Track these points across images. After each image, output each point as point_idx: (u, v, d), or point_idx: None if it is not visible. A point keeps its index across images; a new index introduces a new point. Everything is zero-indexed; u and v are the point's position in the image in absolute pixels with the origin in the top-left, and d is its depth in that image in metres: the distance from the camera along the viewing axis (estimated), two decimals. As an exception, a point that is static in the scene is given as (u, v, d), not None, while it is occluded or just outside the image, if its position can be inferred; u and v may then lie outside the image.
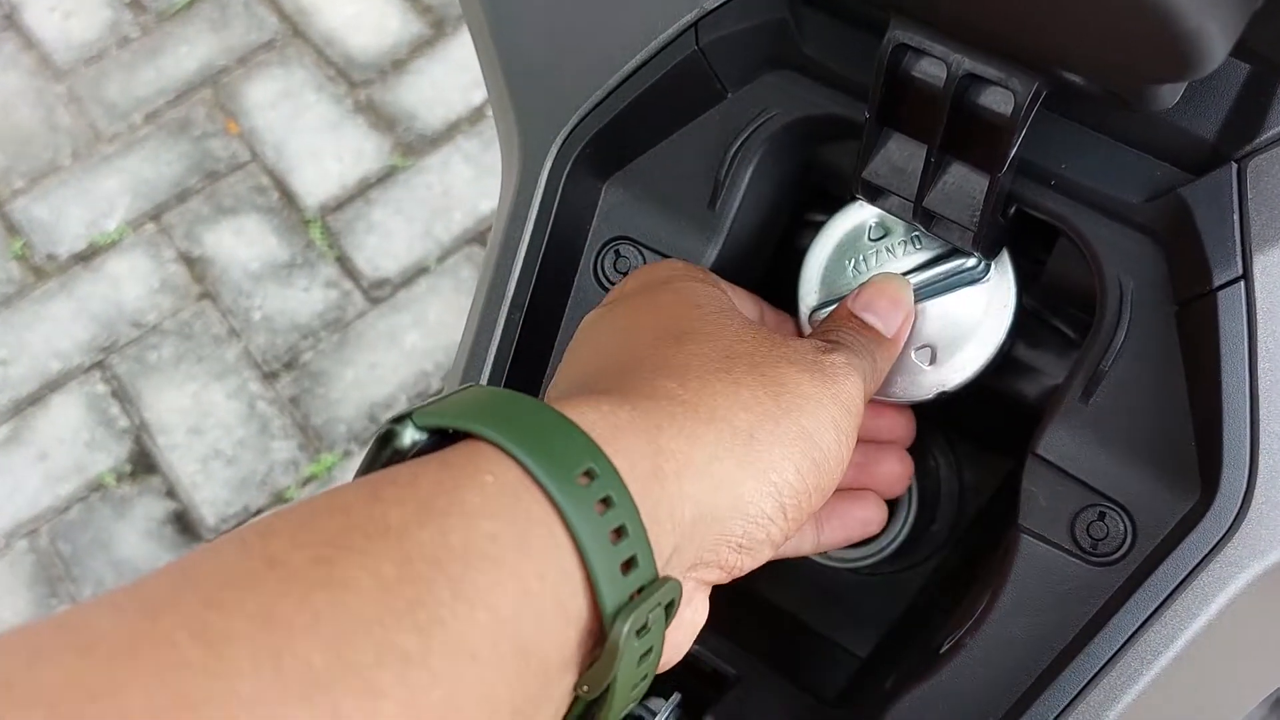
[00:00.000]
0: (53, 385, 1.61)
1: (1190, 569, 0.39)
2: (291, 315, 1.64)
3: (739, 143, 0.47)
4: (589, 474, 0.31)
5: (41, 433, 1.59)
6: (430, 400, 0.33)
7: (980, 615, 0.43)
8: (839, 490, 0.43)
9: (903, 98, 0.41)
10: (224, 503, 1.53)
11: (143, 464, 1.56)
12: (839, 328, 0.44)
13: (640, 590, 0.32)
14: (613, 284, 0.49)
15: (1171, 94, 0.34)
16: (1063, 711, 0.40)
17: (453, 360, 0.52)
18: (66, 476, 1.56)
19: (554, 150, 0.48)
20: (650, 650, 0.33)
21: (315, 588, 0.26)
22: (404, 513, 0.28)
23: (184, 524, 1.52)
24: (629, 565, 0.31)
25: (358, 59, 1.82)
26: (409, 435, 0.32)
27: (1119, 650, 0.39)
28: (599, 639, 0.32)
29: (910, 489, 0.54)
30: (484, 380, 0.48)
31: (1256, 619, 0.40)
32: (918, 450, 0.57)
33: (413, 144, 1.74)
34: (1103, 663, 0.39)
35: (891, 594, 0.57)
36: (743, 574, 0.39)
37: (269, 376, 1.60)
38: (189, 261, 1.69)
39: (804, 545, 0.47)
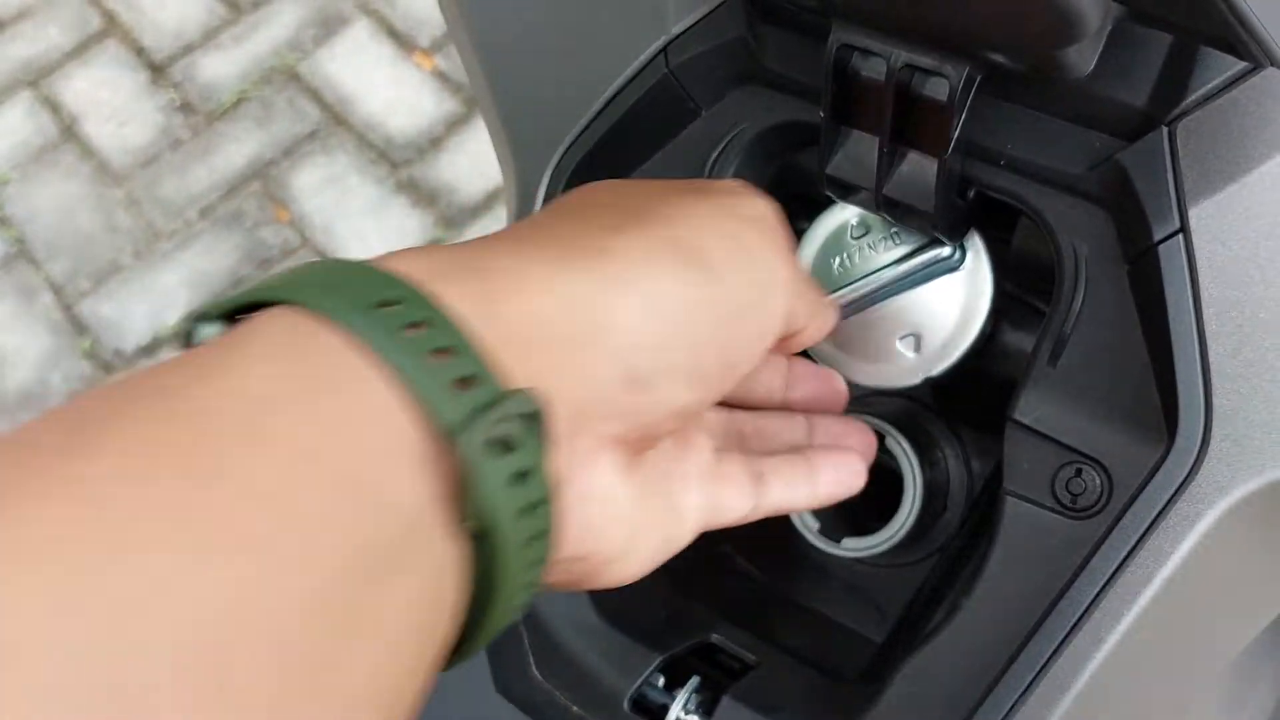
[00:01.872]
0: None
1: (1158, 511, 0.41)
2: (347, 389, 1.69)
3: (715, 156, 0.51)
4: (388, 303, 0.27)
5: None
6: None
7: (972, 578, 0.45)
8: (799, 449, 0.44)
9: (852, 95, 0.44)
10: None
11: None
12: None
13: (488, 406, 0.27)
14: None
15: (1082, 61, 0.37)
16: (1050, 658, 0.41)
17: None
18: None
19: (546, 178, 0.51)
20: (529, 474, 0.28)
21: (67, 459, 0.22)
22: (182, 375, 0.25)
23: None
24: (466, 383, 0.27)
25: (397, 140, 1.89)
26: (205, 331, 0.28)
27: (1098, 595, 0.41)
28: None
29: (914, 479, 0.56)
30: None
31: (1231, 555, 0.42)
32: (924, 443, 0.59)
33: (454, 217, 1.80)
34: (1083, 608, 0.41)
35: (908, 582, 0.59)
36: (657, 429, 0.34)
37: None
38: (248, 346, 1.75)
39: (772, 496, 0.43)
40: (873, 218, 0.50)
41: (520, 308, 0.30)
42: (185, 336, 0.28)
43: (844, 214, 0.51)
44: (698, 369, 0.34)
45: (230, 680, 0.21)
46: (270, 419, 0.25)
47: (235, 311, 0.28)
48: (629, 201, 0.37)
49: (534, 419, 0.28)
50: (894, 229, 0.50)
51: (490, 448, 0.27)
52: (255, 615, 0.22)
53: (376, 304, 0.27)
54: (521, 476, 0.27)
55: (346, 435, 0.25)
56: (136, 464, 0.22)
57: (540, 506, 0.28)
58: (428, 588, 0.26)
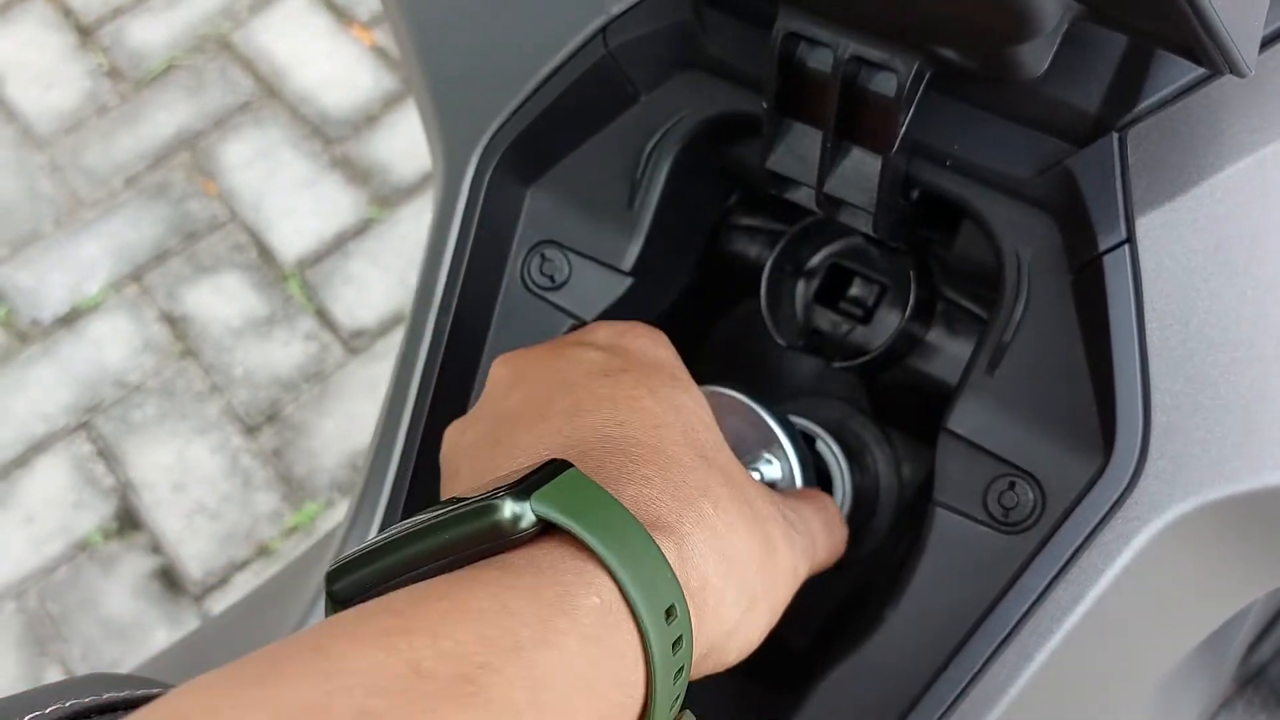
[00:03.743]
0: (38, 447, 1.62)
1: (1091, 528, 0.40)
2: (272, 369, 1.65)
3: (653, 143, 0.49)
4: (670, 612, 0.33)
5: (27, 495, 1.59)
6: (524, 475, 0.34)
7: (900, 589, 0.44)
8: None
9: (797, 86, 0.43)
10: (209, 557, 1.53)
11: (128, 521, 1.56)
12: (800, 507, 0.45)
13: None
14: (540, 287, 0.50)
15: (1035, 61, 0.36)
16: (976, 674, 0.40)
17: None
18: (53, 537, 1.56)
19: (475, 158, 0.49)
20: None
21: (461, 709, 0.27)
22: (532, 634, 0.30)
23: (170, 579, 1.52)
24: (675, 701, 0.34)
25: (331, 116, 1.85)
26: (509, 509, 0.33)
27: (1027, 611, 0.40)
28: None
29: (843, 484, 0.55)
30: (413, 389, 0.50)
31: (1164, 574, 0.41)
32: (854, 447, 0.58)
33: (388, 196, 1.76)
34: (1012, 624, 0.40)
35: (832, 588, 0.58)
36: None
37: (251, 430, 1.61)
38: (170, 321, 1.70)
39: None
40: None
41: (710, 628, 0.36)
42: (485, 509, 0.33)
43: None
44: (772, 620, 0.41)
45: None
46: (581, 703, 0.30)
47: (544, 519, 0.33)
48: (760, 523, 0.40)
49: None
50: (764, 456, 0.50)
51: None
52: None
53: (665, 612, 0.33)
54: None
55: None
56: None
57: None
58: None
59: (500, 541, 0.33)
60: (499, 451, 0.39)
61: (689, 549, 0.36)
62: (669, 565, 0.34)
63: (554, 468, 0.34)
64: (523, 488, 0.33)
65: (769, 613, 0.40)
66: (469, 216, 0.49)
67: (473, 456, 0.41)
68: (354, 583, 0.33)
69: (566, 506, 0.33)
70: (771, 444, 0.49)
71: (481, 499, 0.33)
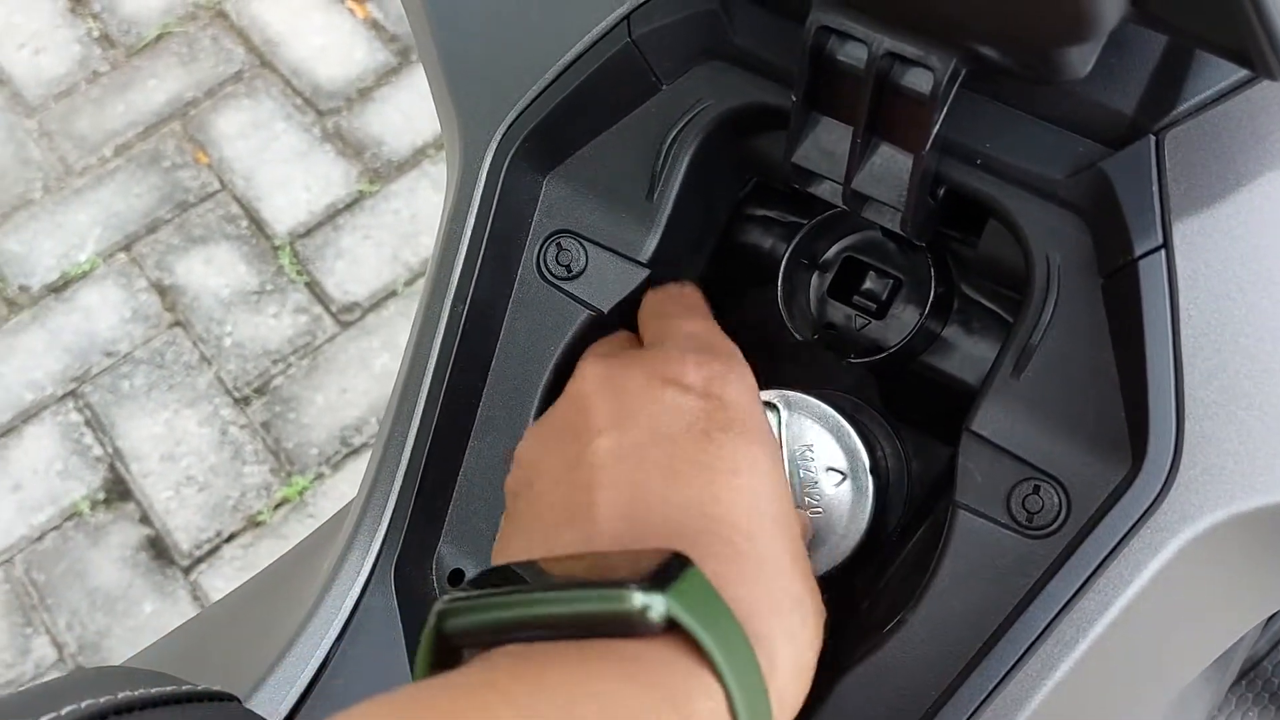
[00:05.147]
0: (26, 416, 1.61)
1: (1120, 537, 0.39)
2: (262, 341, 1.64)
3: (674, 134, 0.48)
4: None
5: (15, 463, 1.58)
6: (655, 570, 0.34)
7: (920, 592, 0.43)
8: None
9: (828, 80, 0.42)
10: (197, 528, 1.52)
11: (117, 492, 1.55)
12: None
13: None
14: (556, 276, 0.50)
15: (1080, 62, 0.35)
16: (999, 683, 0.40)
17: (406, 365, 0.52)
18: (41, 506, 1.55)
19: (493, 145, 0.48)
20: None
21: None
22: None
23: (158, 550, 1.51)
24: None
25: (325, 88, 1.83)
26: (639, 600, 0.33)
27: (1053, 620, 0.40)
28: None
29: (868, 502, 0.54)
30: (427, 377, 0.49)
31: (1192, 584, 0.41)
32: (867, 439, 0.57)
33: (380, 170, 1.75)
34: (1038, 633, 0.40)
35: (836, 586, 0.57)
36: None
37: (240, 402, 1.60)
38: (160, 290, 1.69)
39: None
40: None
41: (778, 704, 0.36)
42: (619, 597, 0.33)
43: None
44: None
45: None
46: None
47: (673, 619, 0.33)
48: (803, 581, 0.40)
49: None
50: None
51: None
52: None
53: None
54: None
55: None
56: None
57: None
58: None
59: (622, 629, 0.33)
60: (577, 489, 0.39)
61: (777, 665, 0.36)
62: (764, 682, 0.35)
63: (678, 564, 0.34)
64: (655, 582, 0.33)
65: (809, 665, 0.40)
66: (486, 204, 0.48)
67: (552, 475, 0.41)
68: (464, 627, 0.34)
69: (695, 611, 0.33)
70: (836, 458, 0.49)
71: (614, 584, 0.33)
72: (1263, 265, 0.38)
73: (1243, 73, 0.39)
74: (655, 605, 0.32)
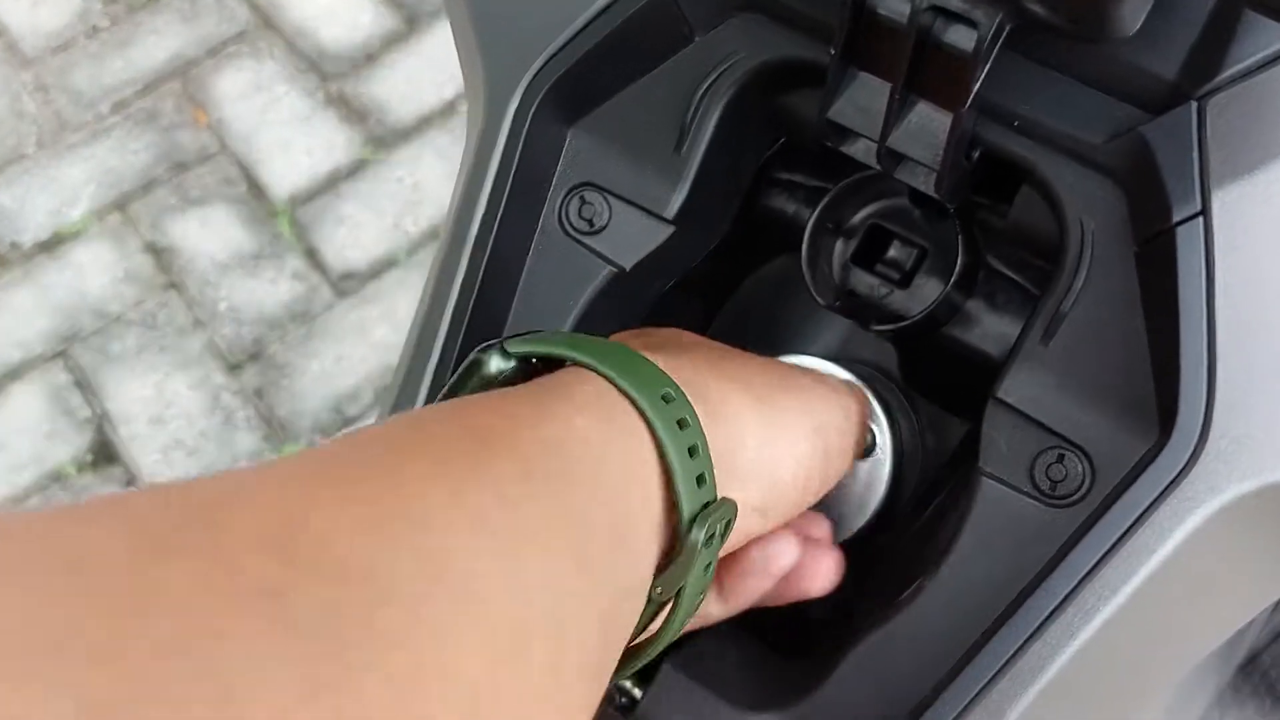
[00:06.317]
0: (13, 374, 1.59)
1: (1145, 506, 0.39)
2: (258, 307, 1.62)
3: (705, 86, 0.47)
4: (666, 397, 0.35)
5: (1, 423, 1.56)
6: (510, 336, 0.37)
7: (939, 558, 0.43)
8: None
9: (868, 35, 0.41)
10: (185, 493, 1.51)
11: (104, 454, 1.54)
12: None
13: (705, 506, 0.35)
14: (578, 230, 0.49)
15: (1131, 18, 0.35)
16: (1017, 651, 0.39)
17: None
18: (25, 466, 1.54)
19: (519, 93, 0.47)
20: (709, 565, 0.36)
21: (477, 457, 0.30)
22: (532, 412, 0.33)
23: (144, 515, 1.50)
24: (700, 481, 0.35)
25: (329, 51, 1.81)
26: (495, 364, 0.36)
27: (1075, 588, 0.39)
28: (671, 544, 0.35)
29: (885, 472, 0.54)
30: (444, 325, 0.48)
31: (1216, 556, 0.41)
32: (892, 420, 0.56)
33: (384, 138, 1.73)
34: (1057, 602, 0.39)
35: (854, 557, 0.57)
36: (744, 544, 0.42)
37: (234, 368, 1.59)
38: (155, 252, 1.67)
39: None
40: None
41: (730, 431, 0.38)
42: (472, 365, 0.37)
43: None
44: (800, 506, 0.42)
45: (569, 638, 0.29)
46: (587, 465, 0.32)
47: (526, 355, 0.37)
48: (779, 366, 0.44)
49: (729, 524, 0.37)
50: None
51: (706, 542, 0.35)
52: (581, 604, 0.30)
53: (660, 396, 0.35)
54: (708, 567, 0.36)
55: (628, 498, 0.33)
56: (516, 470, 0.30)
57: (709, 570, 0.37)
58: (634, 624, 0.35)
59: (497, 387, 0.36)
60: None
61: (683, 364, 0.38)
62: (657, 366, 0.36)
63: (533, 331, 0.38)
64: (501, 341, 0.37)
65: (811, 428, 0.41)
66: (509, 154, 0.47)
67: None
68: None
69: (542, 341, 0.37)
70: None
71: (469, 359, 0.37)
72: (1302, 235, 0.38)
73: (1289, 41, 0.39)
74: (492, 357, 0.36)
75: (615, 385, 0.35)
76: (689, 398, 0.36)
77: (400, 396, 0.48)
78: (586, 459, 0.32)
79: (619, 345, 0.37)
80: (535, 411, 0.33)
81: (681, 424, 0.35)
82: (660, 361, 0.37)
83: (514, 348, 0.36)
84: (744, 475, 0.39)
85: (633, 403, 0.34)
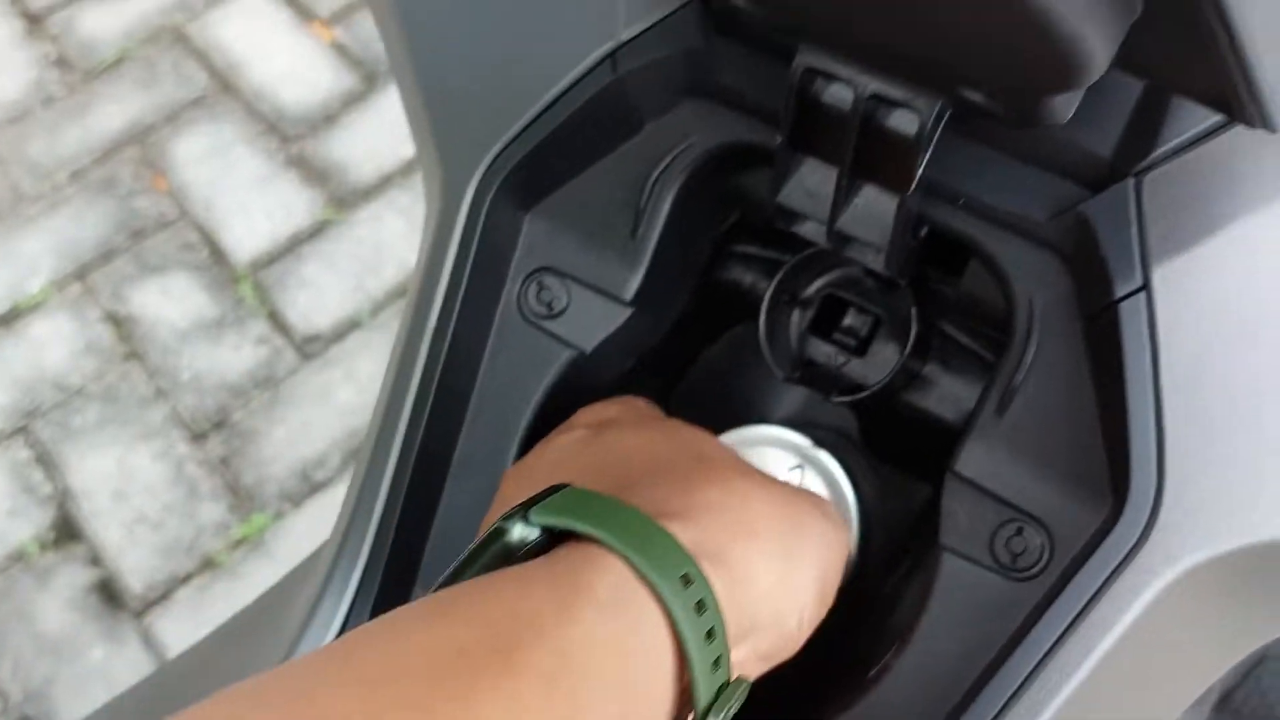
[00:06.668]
0: (-27, 451, 1.57)
1: (1104, 579, 0.39)
2: (221, 374, 1.61)
3: (658, 172, 0.48)
4: (686, 579, 0.35)
5: (-39, 500, 1.54)
6: (525, 502, 0.37)
7: (905, 635, 0.43)
8: None
9: (813, 121, 0.42)
10: (151, 569, 1.49)
11: (66, 531, 1.52)
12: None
13: (720, 689, 0.36)
14: (537, 315, 0.49)
15: (1064, 108, 0.36)
16: (986, 726, 0.40)
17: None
18: (-14, 544, 1.51)
19: (475, 181, 0.48)
20: None
21: (499, 675, 0.31)
22: (553, 612, 0.33)
23: (109, 593, 1.47)
24: (715, 665, 0.35)
25: (289, 113, 1.81)
26: (518, 532, 0.36)
27: (1038, 664, 0.39)
28: None
29: (852, 538, 0.54)
30: (405, 415, 0.48)
31: (1173, 625, 0.41)
32: (855, 485, 0.57)
33: (345, 198, 1.74)
34: (1023, 678, 0.40)
35: (824, 622, 0.57)
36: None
37: (198, 437, 1.58)
38: (115, 322, 1.66)
39: None
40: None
41: (744, 597, 0.38)
42: (495, 533, 0.36)
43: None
44: (798, 646, 0.42)
45: None
46: (597, 680, 0.33)
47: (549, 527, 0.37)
48: (788, 497, 0.43)
49: (742, 700, 0.37)
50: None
51: None
52: None
53: (680, 578, 0.35)
54: None
55: (649, 696, 0.34)
56: (539, 700, 0.31)
57: None
58: None
59: (519, 557, 0.36)
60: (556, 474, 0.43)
61: (701, 525, 0.38)
62: (676, 540, 0.36)
63: (552, 489, 0.38)
64: (524, 508, 0.37)
65: (814, 577, 0.41)
66: (466, 241, 0.48)
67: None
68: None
69: (564, 511, 0.36)
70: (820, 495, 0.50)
71: (492, 526, 0.36)
72: (1241, 306, 0.39)
73: (1218, 117, 0.40)
74: (515, 526, 0.36)
75: (635, 569, 0.35)
76: (709, 569, 0.36)
77: (362, 494, 0.48)
78: (608, 668, 0.33)
79: (641, 518, 0.36)
80: (558, 613, 0.33)
81: (700, 606, 0.35)
82: (683, 529, 0.37)
83: (538, 518, 0.36)
84: (759, 629, 0.39)
85: (652, 587, 0.35)
